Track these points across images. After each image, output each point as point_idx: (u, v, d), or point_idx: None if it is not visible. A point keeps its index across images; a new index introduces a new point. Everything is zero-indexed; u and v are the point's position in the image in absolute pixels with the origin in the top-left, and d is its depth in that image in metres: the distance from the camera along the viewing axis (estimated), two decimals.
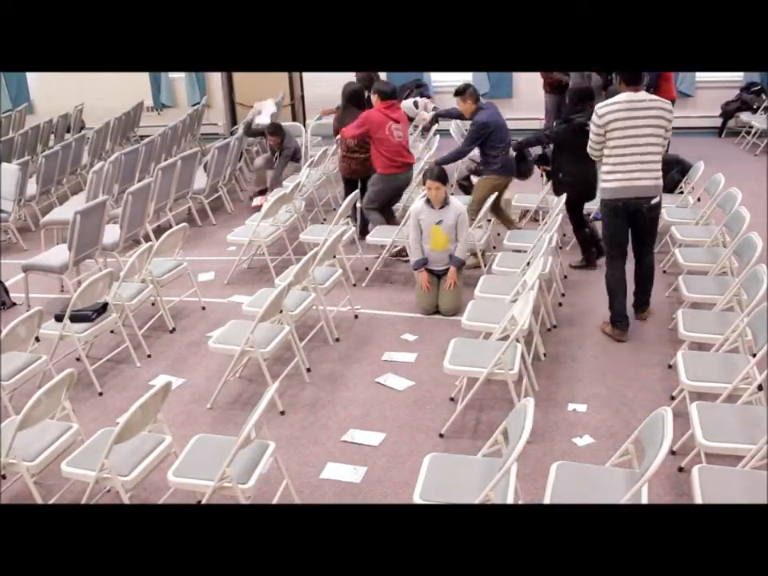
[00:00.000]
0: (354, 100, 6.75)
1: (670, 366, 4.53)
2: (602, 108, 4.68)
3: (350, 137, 6.46)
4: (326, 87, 11.33)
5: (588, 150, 4.91)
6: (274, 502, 3.44)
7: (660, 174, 4.79)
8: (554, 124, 6.06)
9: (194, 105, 11.59)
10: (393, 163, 6.31)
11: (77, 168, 9.19)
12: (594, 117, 4.77)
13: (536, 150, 7.92)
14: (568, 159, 5.78)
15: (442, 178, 5.26)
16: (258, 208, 7.27)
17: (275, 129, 8.27)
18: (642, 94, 4.69)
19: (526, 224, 6.74)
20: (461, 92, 6.19)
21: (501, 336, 4.15)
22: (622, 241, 4.91)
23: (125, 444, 3.17)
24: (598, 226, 6.89)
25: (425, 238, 5.40)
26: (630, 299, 5.13)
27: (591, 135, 4.82)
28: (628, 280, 5.05)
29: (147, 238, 6.38)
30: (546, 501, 2.85)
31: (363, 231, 6.64)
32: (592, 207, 6.57)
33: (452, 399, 4.34)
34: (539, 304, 4.87)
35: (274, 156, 8.36)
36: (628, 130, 4.64)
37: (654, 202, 4.78)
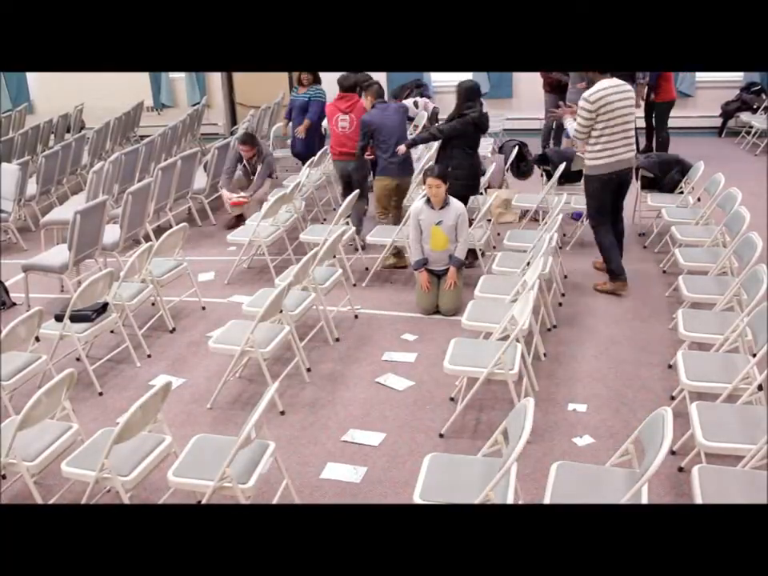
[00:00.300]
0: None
1: (670, 366, 4.53)
2: (593, 95, 5.20)
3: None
4: (325, 87, 11.34)
5: (574, 133, 5.45)
6: (274, 501, 3.45)
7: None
8: (443, 120, 6.49)
9: (193, 105, 11.59)
10: (333, 151, 6.84)
11: (77, 168, 9.19)
12: (584, 102, 5.26)
13: (536, 150, 7.95)
14: (460, 153, 5.99)
15: (443, 176, 5.27)
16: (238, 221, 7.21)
17: (247, 137, 7.42)
18: (616, 80, 5.27)
19: (526, 224, 6.74)
20: (366, 87, 6.62)
21: (501, 336, 4.16)
22: (609, 209, 5.58)
23: (125, 444, 3.17)
24: None
25: (425, 238, 5.39)
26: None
27: (580, 120, 5.31)
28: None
29: (147, 238, 6.38)
30: (546, 501, 2.85)
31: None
32: None
33: (452, 399, 4.34)
34: (539, 304, 4.87)
35: (250, 171, 7.48)
36: (615, 111, 5.24)
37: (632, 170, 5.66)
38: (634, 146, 5.45)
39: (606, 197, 5.46)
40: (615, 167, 5.33)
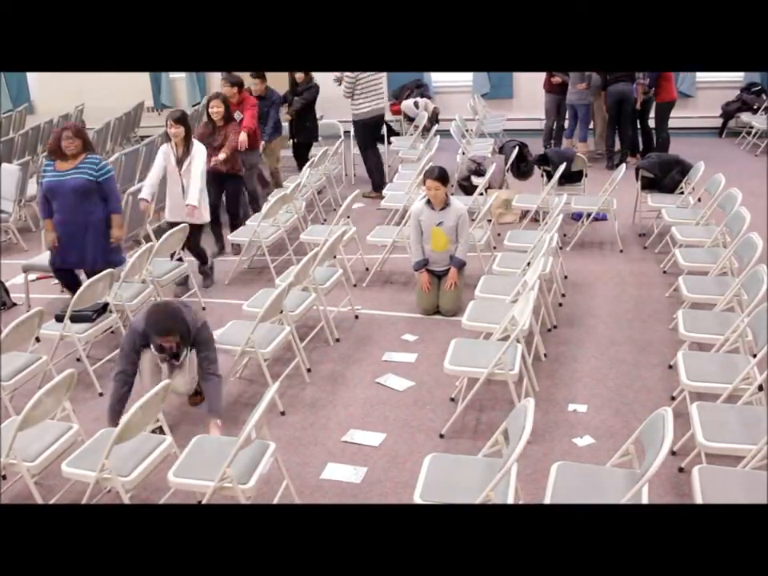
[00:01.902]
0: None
1: (670, 367, 4.52)
2: None
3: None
4: (325, 87, 11.30)
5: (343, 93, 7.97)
6: (274, 502, 3.45)
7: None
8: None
9: (194, 105, 11.58)
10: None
11: None
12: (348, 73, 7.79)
13: (537, 150, 7.95)
14: None
15: (443, 178, 5.25)
16: None
17: (170, 326, 3.79)
18: None
19: (526, 224, 6.74)
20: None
21: (501, 336, 4.15)
22: (372, 143, 8.27)
23: (125, 444, 3.17)
24: (599, 225, 6.92)
25: (425, 238, 5.39)
26: None
27: (346, 83, 7.85)
28: None
29: (147, 239, 6.38)
30: (547, 501, 2.85)
31: None
32: (591, 208, 6.59)
33: (452, 399, 4.34)
34: (539, 304, 4.87)
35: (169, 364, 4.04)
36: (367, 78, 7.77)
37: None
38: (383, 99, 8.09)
39: (368, 133, 8.10)
40: (374, 113, 7.92)
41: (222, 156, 6.22)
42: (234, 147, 6.37)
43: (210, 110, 6.40)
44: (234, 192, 6.66)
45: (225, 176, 6.43)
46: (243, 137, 6.62)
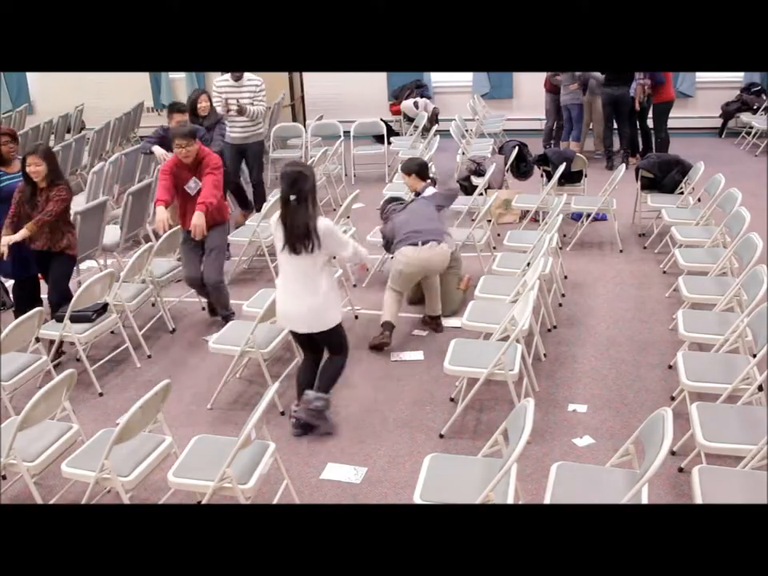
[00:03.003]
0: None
1: (670, 367, 4.52)
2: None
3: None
4: (325, 87, 11.32)
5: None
6: (274, 502, 3.45)
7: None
8: None
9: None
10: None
11: (77, 168, 9.20)
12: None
13: (537, 150, 7.96)
14: None
15: (407, 169, 5.40)
16: None
17: None
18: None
19: (526, 224, 6.74)
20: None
21: (501, 336, 4.15)
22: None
23: (125, 444, 3.17)
24: (599, 225, 6.93)
25: None
26: None
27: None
28: None
29: (147, 239, 6.38)
30: (547, 501, 2.85)
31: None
32: (591, 208, 6.58)
33: (452, 399, 4.34)
34: (539, 304, 4.87)
35: None
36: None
37: None
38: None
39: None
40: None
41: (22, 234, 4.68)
42: (44, 221, 4.70)
43: (27, 168, 4.77)
44: (61, 273, 4.94)
45: (47, 254, 4.84)
46: (199, 220, 4.85)
